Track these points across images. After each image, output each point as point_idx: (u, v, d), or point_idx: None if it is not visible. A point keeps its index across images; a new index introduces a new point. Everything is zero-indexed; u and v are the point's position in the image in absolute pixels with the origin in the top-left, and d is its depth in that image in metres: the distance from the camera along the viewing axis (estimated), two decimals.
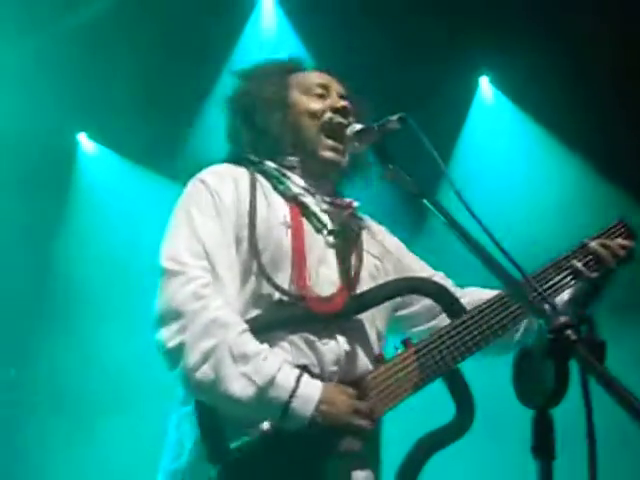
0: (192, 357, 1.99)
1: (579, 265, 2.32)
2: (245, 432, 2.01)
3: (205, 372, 1.98)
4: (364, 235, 2.39)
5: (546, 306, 1.53)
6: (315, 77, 2.45)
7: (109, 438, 4.75)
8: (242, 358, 1.98)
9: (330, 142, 2.33)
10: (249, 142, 2.41)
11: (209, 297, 2.04)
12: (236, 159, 2.38)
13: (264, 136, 2.37)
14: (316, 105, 2.37)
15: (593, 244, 2.34)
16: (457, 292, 2.45)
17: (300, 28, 5.23)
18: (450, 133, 5.55)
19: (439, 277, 2.50)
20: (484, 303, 2.22)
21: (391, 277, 2.36)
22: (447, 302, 2.25)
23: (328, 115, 2.34)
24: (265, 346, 2.06)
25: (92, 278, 4.98)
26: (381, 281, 2.30)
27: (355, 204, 2.40)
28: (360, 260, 2.30)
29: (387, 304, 2.32)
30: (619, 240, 2.37)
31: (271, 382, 1.97)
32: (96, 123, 5.25)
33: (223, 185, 2.24)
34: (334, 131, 2.33)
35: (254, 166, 2.35)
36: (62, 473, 4.86)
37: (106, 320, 4.93)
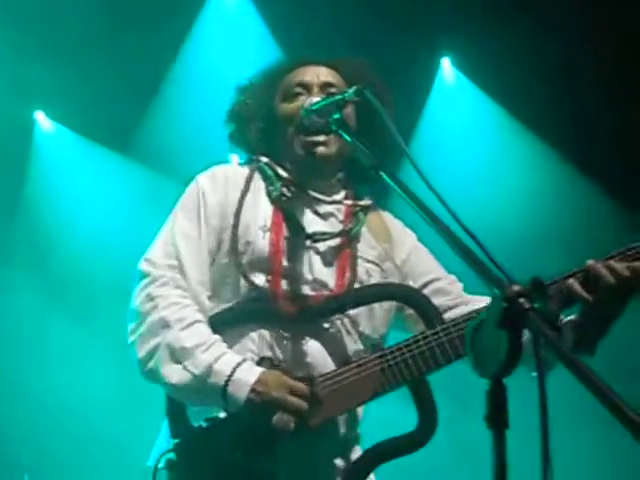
0: (140, 354, 2.16)
1: (574, 284, 2.10)
2: (204, 413, 2.13)
3: (150, 367, 2.13)
4: (364, 237, 2.34)
5: (500, 274, 1.53)
6: (295, 75, 2.40)
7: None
8: (182, 352, 2.10)
9: (307, 139, 2.29)
10: (249, 146, 2.45)
11: (161, 297, 2.17)
12: (244, 159, 2.46)
13: (260, 144, 2.41)
14: (290, 107, 2.35)
15: (593, 263, 2.10)
16: (464, 297, 2.40)
17: (261, 6, 5.20)
18: (411, 115, 5.54)
19: (448, 281, 2.42)
20: (462, 317, 2.17)
21: (390, 281, 2.32)
22: (423, 309, 2.21)
23: (308, 101, 2.27)
24: (214, 337, 2.13)
25: (50, 256, 4.93)
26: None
27: (362, 202, 2.37)
28: (348, 263, 2.27)
29: (386, 307, 2.30)
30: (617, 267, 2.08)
31: (208, 371, 2.06)
32: (53, 101, 5.17)
33: (212, 184, 2.31)
34: (308, 127, 2.27)
35: (256, 165, 2.38)
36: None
37: (64, 299, 4.88)
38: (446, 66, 5.72)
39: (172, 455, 2.12)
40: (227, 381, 2.04)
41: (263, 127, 2.40)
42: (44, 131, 5.24)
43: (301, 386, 2.08)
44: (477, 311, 2.13)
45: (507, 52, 5.19)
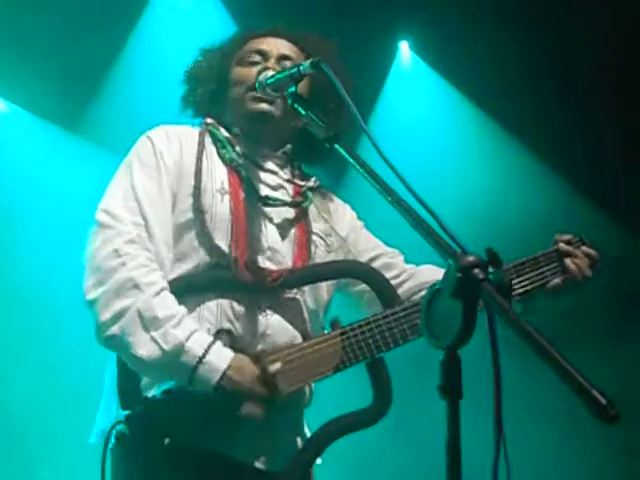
0: (103, 315, 2.03)
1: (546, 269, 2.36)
2: (160, 384, 2.07)
3: (114, 332, 2.02)
4: (312, 211, 2.36)
5: (455, 246, 1.52)
6: (254, 43, 2.41)
7: None
8: (153, 322, 2.01)
9: (256, 94, 2.28)
10: (197, 112, 2.45)
11: (129, 255, 2.07)
12: (191, 119, 2.43)
13: (208, 106, 2.41)
14: (246, 72, 2.34)
15: (562, 246, 2.38)
16: (407, 270, 2.46)
17: None
18: (367, 99, 5.50)
19: (390, 255, 2.49)
20: (422, 298, 2.15)
21: (333, 256, 2.35)
22: (379, 286, 2.24)
23: (264, 74, 2.27)
24: (181, 309, 2.07)
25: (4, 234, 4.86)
26: (318, 259, 2.30)
27: (308, 181, 2.39)
28: (304, 238, 2.29)
29: (332, 281, 2.33)
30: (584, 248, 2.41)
31: (179, 349, 2.00)
32: (7, 81, 5.07)
33: (168, 145, 2.26)
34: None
35: (204, 127, 2.35)
36: None
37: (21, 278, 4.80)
38: (404, 50, 5.67)
39: (123, 427, 2.05)
40: (198, 362, 2.00)
41: (214, 89, 2.40)
42: None
43: (268, 374, 2.06)
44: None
45: (467, 37, 5.19)
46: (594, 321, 5.04)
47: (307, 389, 2.24)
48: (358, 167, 1.81)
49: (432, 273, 2.42)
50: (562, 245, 2.39)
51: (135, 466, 2.09)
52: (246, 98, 2.32)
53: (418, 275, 2.45)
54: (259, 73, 2.28)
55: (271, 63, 2.34)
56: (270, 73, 2.23)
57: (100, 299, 2.04)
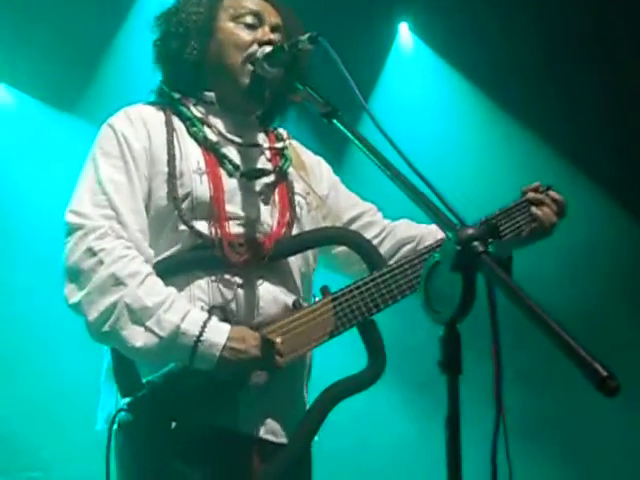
0: (91, 315, 2.01)
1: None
2: (158, 368, 2.04)
3: (106, 330, 2.00)
4: (290, 172, 2.33)
5: (454, 218, 1.51)
6: (249, 2, 2.29)
7: None
8: (143, 312, 1.99)
9: (254, 69, 2.21)
10: (166, 72, 2.31)
11: (104, 250, 2.03)
12: (154, 96, 2.31)
13: (180, 65, 2.26)
14: (243, 36, 2.24)
15: (531, 194, 2.41)
16: (386, 227, 2.46)
17: None
18: (366, 82, 5.46)
19: (370, 213, 2.49)
20: (404, 259, 2.24)
21: (313, 214, 2.33)
22: (368, 254, 2.26)
23: (254, 48, 2.22)
24: (171, 291, 2.05)
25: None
26: (304, 221, 2.28)
27: (284, 139, 2.36)
28: (286, 201, 2.26)
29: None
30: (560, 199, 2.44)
31: (176, 332, 1.98)
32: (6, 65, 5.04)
33: (133, 129, 2.17)
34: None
35: (170, 105, 2.26)
36: None
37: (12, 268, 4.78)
38: (404, 31, 5.62)
39: (126, 415, 2.03)
40: (196, 342, 1.98)
41: (201, 44, 2.25)
42: None
43: (271, 339, 2.06)
44: (417, 254, 2.26)
45: (467, 18, 5.15)
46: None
47: (307, 360, 2.25)
48: (357, 142, 1.80)
49: (409, 228, 2.45)
50: (530, 194, 2.42)
51: (143, 453, 2.08)
52: (243, 72, 2.22)
53: (396, 231, 2.46)
54: (258, 45, 2.22)
55: (266, 31, 2.25)
56: (268, 49, 2.19)
57: (83, 301, 2.02)
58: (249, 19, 2.27)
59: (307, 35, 2.03)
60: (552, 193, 2.44)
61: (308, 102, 2.01)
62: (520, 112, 5.42)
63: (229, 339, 2.01)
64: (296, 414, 2.18)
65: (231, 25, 2.27)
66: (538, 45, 5.24)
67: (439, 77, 5.65)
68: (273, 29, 2.28)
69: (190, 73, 2.27)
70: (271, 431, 2.15)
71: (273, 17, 2.30)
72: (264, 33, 2.25)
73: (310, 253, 2.33)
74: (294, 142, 2.44)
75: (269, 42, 2.22)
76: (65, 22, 4.70)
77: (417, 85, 5.70)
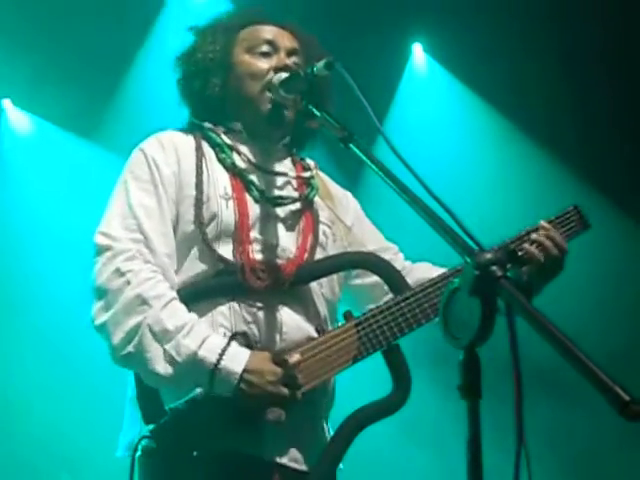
0: (116, 336, 2.03)
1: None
2: (180, 394, 2.04)
3: (129, 351, 2.02)
4: (317, 201, 2.34)
5: (472, 243, 1.51)
6: (263, 32, 2.34)
7: None
8: (164, 335, 1.99)
9: (272, 96, 2.25)
10: (192, 108, 2.37)
11: (132, 272, 2.05)
12: (184, 124, 2.37)
13: (204, 101, 2.32)
14: (260, 65, 2.28)
15: (534, 235, 2.25)
16: (406, 267, 2.44)
17: None
18: (381, 103, 5.47)
19: (391, 252, 2.48)
20: (428, 282, 2.23)
21: (338, 244, 2.33)
22: (390, 277, 2.25)
23: (271, 75, 2.26)
24: (192, 316, 2.06)
25: (18, 242, 4.86)
26: (329, 249, 2.29)
27: (311, 169, 2.37)
28: (310, 228, 2.27)
29: (337, 274, 2.32)
30: (558, 239, 2.27)
31: (193, 359, 1.98)
32: (21, 89, 5.09)
33: (164, 155, 2.21)
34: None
35: (200, 132, 2.30)
36: None
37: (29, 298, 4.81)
38: (417, 52, 5.64)
39: (149, 442, 2.03)
40: (214, 369, 1.98)
41: (222, 80, 2.31)
42: (11, 119, 5.16)
43: (289, 373, 2.04)
44: (441, 277, 2.24)
45: (481, 38, 5.16)
46: None
47: (329, 387, 2.24)
48: (373, 167, 1.81)
49: (428, 270, 2.41)
50: (533, 235, 2.26)
51: None
52: (262, 100, 2.26)
53: (415, 272, 2.43)
54: (274, 71, 2.25)
55: (282, 57, 2.29)
56: (284, 75, 2.22)
57: (109, 322, 2.03)
58: (264, 48, 2.31)
59: (323, 61, 2.05)
60: (553, 234, 2.28)
61: (325, 127, 2.02)
62: (535, 130, 5.41)
63: (246, 371, 2.00)
64: (317, 441, 2.18)
65: (247, 57, 2.32)
66: (552, 63, 5.23)
67: (454, 97, 5.66)
68: (289, 53, 2.32)
69: (215, 107, 2.33)
70: (293, 458, 2.14)
71: (288, 42, 2.34)
72: (279, 59, 2.29)
73: (336, 282, 2.33)
74: (322, 173, 2.47)
75: (285, 67, 2.26)
76: (84, 48, 4.75)
77: (432, 105, 5.70)
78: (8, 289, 4.80)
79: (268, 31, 2.35)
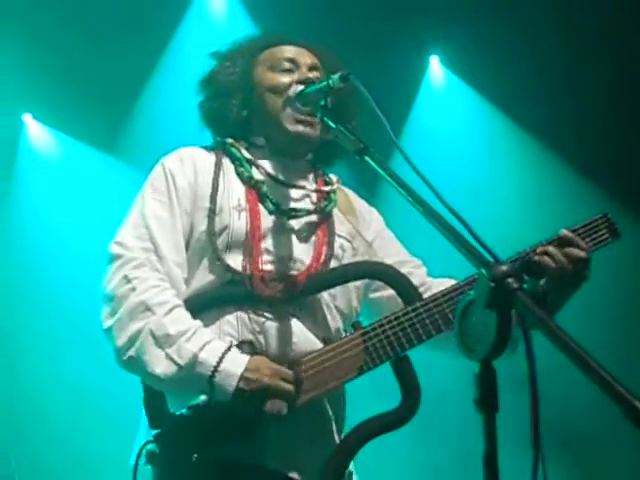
0: (120, 340, 2.07)
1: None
2: (185, 400, 2.06)
3: (131, 355, 2.05)
4: (336, 214, 2.34)
5: (488, 255, 1.51)
6: (283, 51, 2.38)
7: None
8: (165, 339, 2.02)
9: (298, 115, 2.26)
10: (214, 129, 2.42)
11: (139, 278, 2.10)
12: (209, 141, 2.40)
13: (226, 120, 2.36)
14: (281, 80, 2.31)
15: (550, 248, 2.17)
16: (427, 283, 2.41)
17: (250, 6, 5.17)
18: (398, 116, 5.47)
19: (410, 265, 2.44)
20: (439, 292, 2.19)
21: (359, 259, 2.32)
22: (402, 288, 2.21)
23: (293, 89, 2.28)
24: (196, 323, 2.08)
25: (38, 256, 4.90)
26: (346, 262, 2.27)
27: (332, 183, 2.37)
28: (325, 240, 2.26)
29: (358, 284, 2.31)
30: (576, 252, 2.18)
31: (193, 361, 2.00)
32: (42, 104, 5.15)
33: (181, 167, 2.25)
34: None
35: (222, 148, 2.34)
36: None
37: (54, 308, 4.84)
38: (434, 65, 5.66)
39: (153, 447, 2.07)
40: (213, 371, 2.00)
41: (243, 100, 2.35)
42: (33, 134, 5.21)
43: (286, 371, 2.06)
44: (453, 288, 2.19)
45: (497, 50, 5.16)
46: None
47: (340, 398, 2.22)
48: (389, 179, 1.81)
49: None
50: (547, 247, 2.19)
51: None
52: (284, 116, 2.28)
53: (435, 288, 2.34)
54: (297, 84, 2.27)
55: (303, 71, 2.31)
56: (299, 88, 2.23)
57: (114, 326, 2.08)
58: (286, 65, 2.34)
59: (338, 74, 2.05)
60: (569, 250, 2.19)
61: (340, 140, 2.03)
62: (554, 142, 5.39)
63: (246, 370, 2.02)
64: (324, 454, 2.15)
65: (269, 74, 2.35)
66: (570, 74, 5.22)
67: (471, 109, 5.66)
68: (311, 68, 2.34)
69: (236, 126, 2.36)
70: (297, 468, 2.13)
71: (309, 58, 2.36)
72: (301, 74, 2.31)
73: (354, 295, 2.31)
74: (347, 189, 2.48)
75: (307, 80, 2.28)
76: (104, 63, 4.79)
77: (449, 118, 5.71)
78: (31, 302, 4.84)
79: (288, 50, 2.38)
